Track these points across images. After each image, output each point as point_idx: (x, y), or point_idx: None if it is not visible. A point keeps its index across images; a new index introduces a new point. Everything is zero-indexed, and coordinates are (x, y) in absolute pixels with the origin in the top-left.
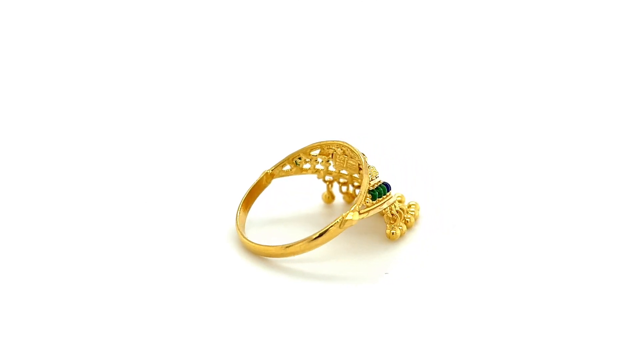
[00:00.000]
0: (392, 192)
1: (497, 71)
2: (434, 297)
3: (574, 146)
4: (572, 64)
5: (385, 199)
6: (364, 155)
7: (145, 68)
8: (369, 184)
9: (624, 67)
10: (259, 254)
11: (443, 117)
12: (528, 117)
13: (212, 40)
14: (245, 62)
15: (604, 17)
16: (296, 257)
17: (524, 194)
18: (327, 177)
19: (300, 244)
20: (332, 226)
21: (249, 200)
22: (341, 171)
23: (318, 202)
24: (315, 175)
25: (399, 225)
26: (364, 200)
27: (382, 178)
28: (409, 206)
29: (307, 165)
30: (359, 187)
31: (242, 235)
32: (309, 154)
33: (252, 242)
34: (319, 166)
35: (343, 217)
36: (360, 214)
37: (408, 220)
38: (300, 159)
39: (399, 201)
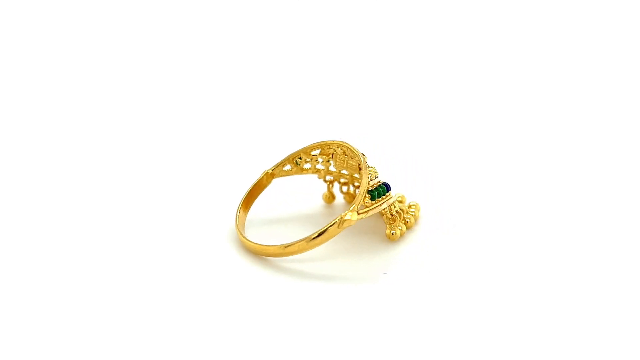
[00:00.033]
0: (392, 192)
1: (496, 71)
2: (433, 297)
3: (573, 146)
4: (571, 64)
5: (385, 199)
6: (363, 155)
7: (146, 68)
8: (368, 184)
9: (623, 67)
10: (258, 253)
11: (443, 117)
12: (528, 118)
13: (212, 40)
14: (246, 62)
15: (604, 17)
16: (295, 257)
17: (523, 194)
18: (328, 177)
19: (299, 243)
20: (330, 226)
21: (249, 199)
22: (342, 171)
23: (319, 202)
24: (315, 175)
25: (399, 226)
26: (363, 201)
27: (382, 178)
28: (409, 206)
29: (307, 165)
30: (359, 187)
31: (242, 235)
32: (310, 154)
33: (251, 242)
34: (319, 166)
35: (342, 217)
36: (359, 214)
37: (408, 220)
38: (300, 158)
39: (400, 201)
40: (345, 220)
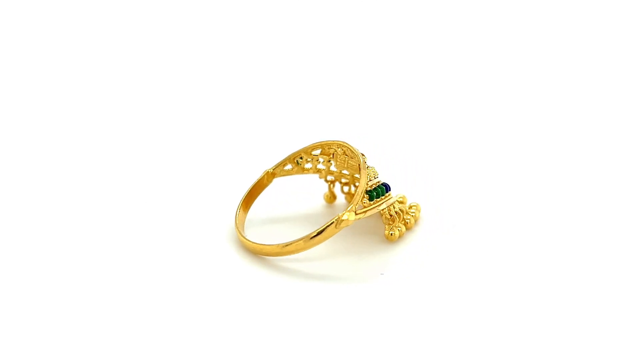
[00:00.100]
0: (392, 193)
1: (496, 72)
2: (433, 297)
3: (573, 146)
4: (571, 65)
5: (384, 200)
6: (363, 155)
7: (147, 68)
8: (367, 184)
9: (623, 67)
10: (257, 253)
11: (443, 117)
12: (528, 118)
13: (213, 40)
14: (247, 62)
15: (604, 17)
16: (294, 256)
17: (523, 194)
18: (329, 177)
19: (297, 243)
20: (328, 226)
21: (249, 199)
22: (342, 171)
23: (320, 202)
24: (317, 175)
25: (398, 227)
26: (361, 201)
27: (383, 179)
28: (410, 207)
29: (308, 165)
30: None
31: (241, 234)
32: (310, 154)
33: (250, 241)
34: (320, 166)
35: (339, 217)
36: (356, 214)
37: (408, 221)
38: (301, 158)
39: (400, 202)
40: (343, 220)
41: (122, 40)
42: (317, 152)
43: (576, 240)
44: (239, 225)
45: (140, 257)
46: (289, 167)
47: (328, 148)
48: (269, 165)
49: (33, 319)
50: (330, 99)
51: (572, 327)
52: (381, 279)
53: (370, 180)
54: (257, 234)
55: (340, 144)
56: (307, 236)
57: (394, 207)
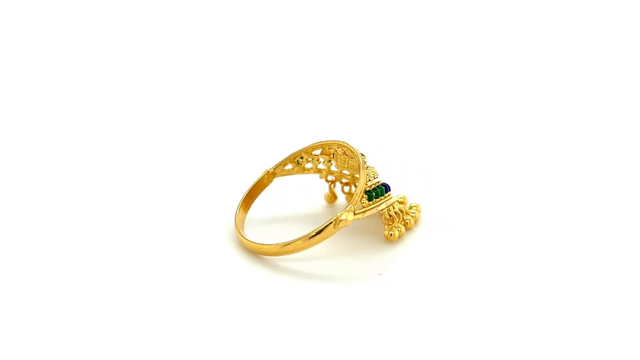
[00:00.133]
0: (392, 193)
1: (496, 72)
2: (433, 297)
3: (573, 146)
4: (571, 65)
5: (383, 200)
6: (362, 155)
7: (147, 67)
8: (366, 184)
9: (623, 67)
10: (256, 252)
11: (443, 117)
12: (528, 118)
13: (214, 40)
14: (248, 62)
15: (604, 17)
16: (293, 256)
17: (523, 194)
18: (330, 177)
19: (296, 242)
20: (326, 226)
21: (249, 198)
22: (343, 171)
23: (320, 202)
24: (317, 175)
25: (397, 227)
26: (360, 201)
27: (383, 179)
28: (411, 207)
29: (309, 165)
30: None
31: (240, 234)
32: (311, 154)
33: (249, 241)
34: (321, 166)
35: (337, 217)
36: (355, 214)
37: (408, 222)
38: (302, 158)
39: (401, 202)
40: (341, 220)
41: (122, 40)
42: (318, 152)
43: (576, 240)
44: (239, 225)
45: (140, 255)
46: (289, 166)
47: (328, 148)
48: (269, 164)
49: (33, 319)
50: (331, 99)
51: (572, 326)
52: (380, 279)
53: (370, 181)
54: (256, 234)
55: (340, 144)
56: (305, 236)
57: (394, 208)
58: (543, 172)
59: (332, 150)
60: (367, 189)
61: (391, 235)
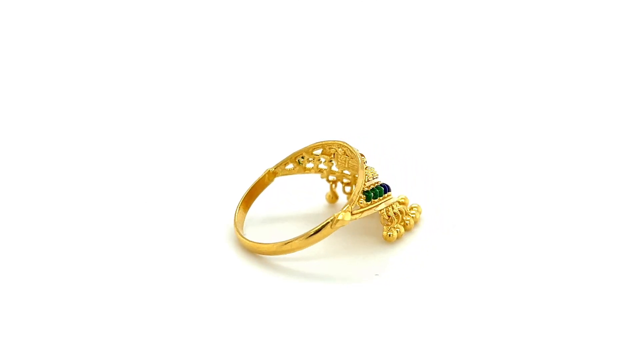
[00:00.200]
0: (393, 193)
1: (496, 72)
2: (432, 297)
3: (573, 146)
4: (571, 65)
5: (383, 201)
6: (362, 155)
7: (148, 67)
8: (364, 184)
9: (624, 67)
10: (254, 251)
11: (443, 117)
12: (528, 118)
13: (215, 39)
14: (250, 62)
15: (604, 17)
16: (292, 256)
17: (524, 194)
18: (331, 177)
19: (293, 242)
20: (324, 225)
21: (249, 198)
22: (344, 171)
23: (321, 202)
24: (319, 175)
25: (396, 227)
26: (358, 201)
27: (383, 179)
28: (411, 208)
29: (310, 165)
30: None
31: (239, 233)
32: (312, 153)
33: (248, 240)
34: (322, 165)
35: (335, 217)
36: (352, 214)
37: (407, 222)
38: (303, 157)
39: (401, 203)
40: (339, 220)
41: (122, 40)
42: (318, 151)
43: (576, 240)
44: (238, 224)
45: (138, 254)
46: (290, 166)
47: (329, 148)
48: (270, 164)
49: (32, 319)
50: (332, 98)
51: (571, 327)
52: (378, 280)
53: (368, 181)
54: (256, 233)
55: (340, 144)
56: (304, 235)
57: (393, 208)
58: (543, 172)
59: (332, 150)
60: (366, 189)
61: (390, 235)
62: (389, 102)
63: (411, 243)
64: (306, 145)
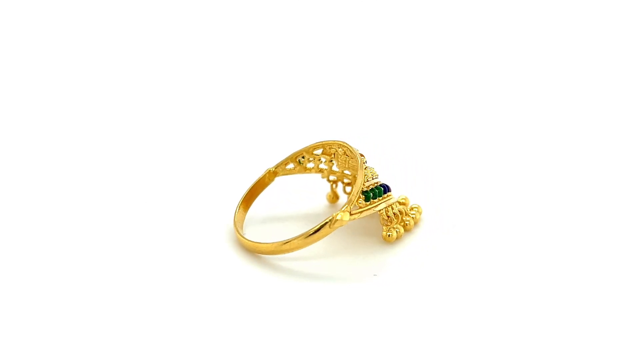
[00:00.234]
0: (393, 193)
1: (496, 72)
2: (432, 297)
3: (573, 146)
4: (571, 65)
5: (382, 201)
6: (362, 155)
7: (149, 66)
8: (363, 184)
9: (624, 67)
10: (253, 251)
11: (443, 117)
12: (527, 118)
13: (215, 39)
14: (251, 61)
15: (604, 17)
16: (291, 256)
17: (524, 194)
18: (331, 177)
19: (294, 241)
20: (322, 225)
21: (250, 197)
22: (344, 171)
23: (322, 202)
24: (319, 175)
25: (395, 228)
26: (357, 201)
27: (383, 179)
28: (411, 209)
29: (310, 165)
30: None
31: (238, 233)
32: (312, 153)
33: (247, 239)
34: (322, 165)
35: (333, 217)
36: (351, 214)
37: (407, 223)
38: (303, 157)
39: (402, 203)
40: (337, 220)
41: (123, 39)
42: (319, 151)
43: (576, 240)
44: (238, 223)
45: (138, 253)
46: (291, 166)
47: (329, 148)
48: (271, 163)
49: (32, 319)
50: (333, 98)
51: (571, 327)
52: (377, 280)
53: (368, 181)
54: (256, 233)
55: (340, 144)
56: (303, 234)
57: (393, 209)
58: (543, 172)
59: (333, 150)
60: (365, 189)
61: (389, 236)
62: (389, 102)
63: (411, 243)
64: (307, 145)
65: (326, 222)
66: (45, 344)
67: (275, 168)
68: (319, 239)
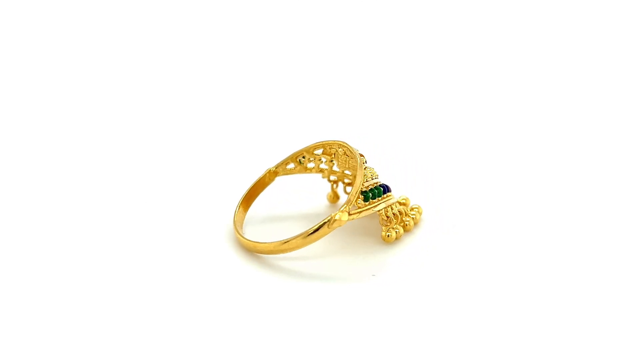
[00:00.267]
0: (393, 193)
1: (496, 72)
2: (432, 297)
3: (573, 146)
4: (571, 65)
5: (382, 201)
6: (361, 155)
7: (149, 66)
8: (363, 184)
9: (624, 67)
10: (253, 250)
11: (443, 117)
12: (527, 118)
13: (215, 39)
14: (251, 61)
15: (604, 17)
16: (290, 255)
17: (524, 194)
18: (332, 177)
19: (293, 240)
20: (321, 225)
21: (250, 197)
22: (345, 171)
23: (322, 202)
24: (320, 175)
25: (395, 228)
26: (356, 201)
27: (383, 179)
28: (411, 209)
29: (311, 164)
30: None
31: (238, 232)
32: (312, 153)
33: (246, 239)
34: (323, 165)
35: (332, 217)
36: (350, 214)
37: (407, 223)
38: (304, 157)
39: (402, 204)
40: (335, 220)
41: (123, 39)
42: (319, 151)
43: (576, 240)
44: (238, 223)
45: (137, 252)
46: (291, 165)
47: (329, 148)
48: (271, 163)
49: (31, 319)
50: (333, 98)
51: (571, 327)
52: (376, 280)
53: (367, 181)
54: (256, 232)
55: (340, 144)
56: (302, 234)
57: (392, 209)
58: (543, 173)
59: (333, 150)
60: (364, 189)
61: (388, 236)
62: (389, 102)
63: (411, 243)
64: (307, 145)
65: (325, 222)
66: (45, 344)
67: (276, 168)
68: (317, 238)
